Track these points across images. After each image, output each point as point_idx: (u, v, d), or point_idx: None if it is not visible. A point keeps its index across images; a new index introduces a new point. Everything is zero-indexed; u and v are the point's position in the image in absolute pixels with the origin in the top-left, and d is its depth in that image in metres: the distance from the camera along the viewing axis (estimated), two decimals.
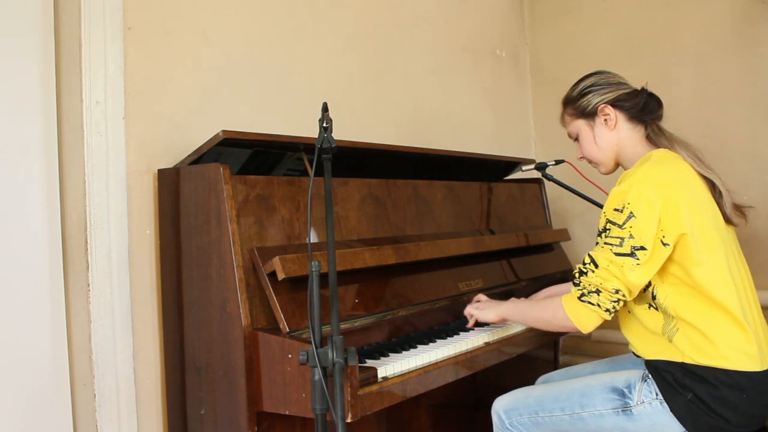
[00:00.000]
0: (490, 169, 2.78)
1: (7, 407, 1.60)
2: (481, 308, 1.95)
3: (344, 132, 1.89)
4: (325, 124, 1.50)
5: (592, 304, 1.57)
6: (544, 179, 2.63)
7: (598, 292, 1.57)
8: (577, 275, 1.61)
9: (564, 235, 2.86)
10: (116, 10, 1.79)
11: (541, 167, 2.57)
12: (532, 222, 2.78)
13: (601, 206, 2.47)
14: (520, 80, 3.55)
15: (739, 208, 1.70)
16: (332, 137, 1.50)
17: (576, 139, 1.84)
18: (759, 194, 2.80)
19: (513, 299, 1.97)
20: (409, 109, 2.79)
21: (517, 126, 3.50)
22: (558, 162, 2.54)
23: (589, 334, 3.17)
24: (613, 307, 1.57)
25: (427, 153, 2.33)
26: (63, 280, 1.71)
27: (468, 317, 1.99)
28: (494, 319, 1.91)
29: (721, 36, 2.98)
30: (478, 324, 2.02)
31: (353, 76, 2.55)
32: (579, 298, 1.59)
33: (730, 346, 1.54)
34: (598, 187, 2.29)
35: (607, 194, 1.65)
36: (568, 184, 2.51)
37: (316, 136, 1.51)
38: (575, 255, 3.04)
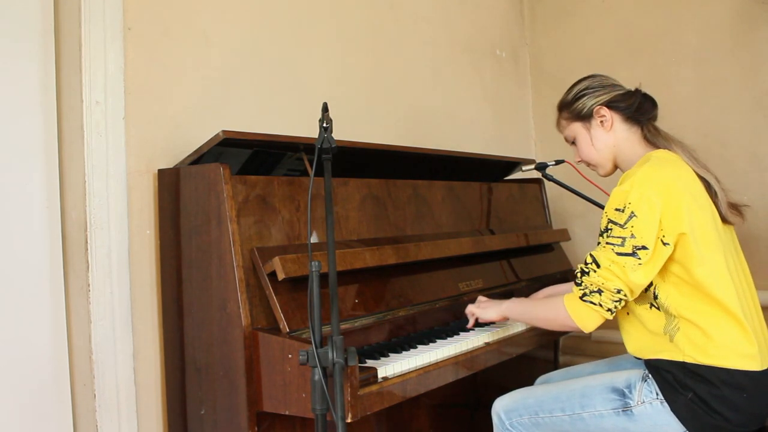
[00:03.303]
0: (490, 169, 2.78)
1: (8, 407, 1.60)
2: (482, 307, 1.95)
3: (344, 132, 1.89)
4: (325, 124, 1.50)
5: (594, 304, 1.58)
6: (544, 179, 2.63)
7: (600, 291, 1.57)
8: (579, 275, 1.62)
9: (564, 235, 2.86)
10: (116, 10, 1.79)
11: (541, 167, 2.57)
12: (532, 222, 2.78)
13: (601, 206, 2.49)
14: (520, 80, 3.55)
15: (735, 207, 1.70)
16: (332, 137, 1.49)
17: (573, 143, 1.85)
18: (759, 194, 2.80)
19: (514, 298, 1.97)
20: (409, 109, 2.79)
21: (517, 126, 3.50)
22: (558, 162, 2.54)
23: (590, 334, 3.19)
24: (615, 307, 1.58)
25: (427, 153, 2.33)
26: (63, 280, 1.71)
27: (469, 316, 1.98)
28: (495, 317, 1.91)
29: (721, 36, 2.98)
30: (478, 324, 2.02)
31: (353, 76, 2.55)
32: (581, 297, 1.60)
33: (730, 345, 1.54)
34: (598, 187, 2.29)
35: (608, 194, 1.65)
36: (568, 184, 2.51)
37: (316, 136, 1.51)
38: (575, 255, 3.04)
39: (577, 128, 1.81)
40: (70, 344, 1.72)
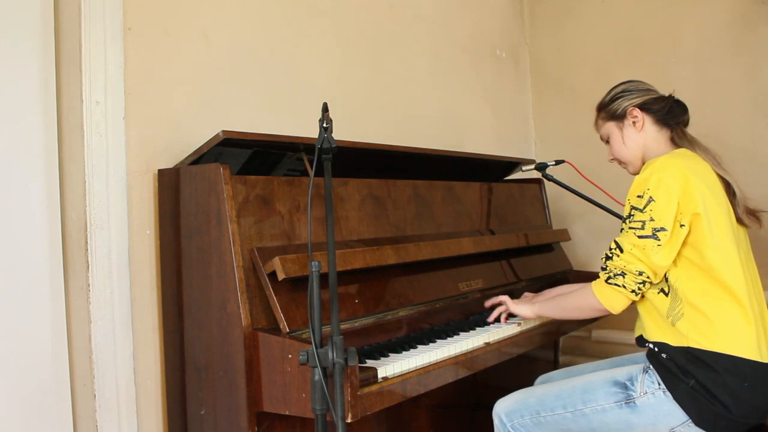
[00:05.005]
0: (490, 169, 2.78)
1: (8, 407, 1.60)
2: (515, 301, 2.08)
3: (344, 132, 1.89)
4: (325, 124, 1.50)
5: (619, 286, 1.67)
6: (544, 179, 2.63)
7: (623, 274, 1.66)
8: (603, 260, 1.72)
9: (564, 235, 2.86)
10: (116, 11, 1.79)
11: (541, 167, 2.58)
12: (533, 222, 2.78)
13: (601, 206, 2.50)
14: (520, 80, 3.55)
15: (753, 212, 1.77)
16: (332, 137, 1.50)
17: (607, 142, 1.94)
18: (759, 194, 2.78)
19: (540, 300, 2.08)
20: (409, 109, 2.79)
21: (517, 126, 3.50)
22: (558, 162, 2.55)
23: (590, 334, 3.20)
24: (639, 288, 1.66)
25: (427, 153, 2.33)
26: (63, 280, 1.71)
27: (498, 304, 2.10)
28: (530, 314, 2.02)
29: (721, 36, 2.98)
30: (478, 324, 2.03)
31: (353, 76, 2.55)
32: (606, 281, 1.70)
33: (733, 332, 1.58)
34: (598, 187, 2.29)
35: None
36: (568, 185, 2.52)
37: (316, 136, 1.51)
38: (575, 255, 3.05)
39: (611, 127, 1.90)
40: (70, 344, 1.72)
